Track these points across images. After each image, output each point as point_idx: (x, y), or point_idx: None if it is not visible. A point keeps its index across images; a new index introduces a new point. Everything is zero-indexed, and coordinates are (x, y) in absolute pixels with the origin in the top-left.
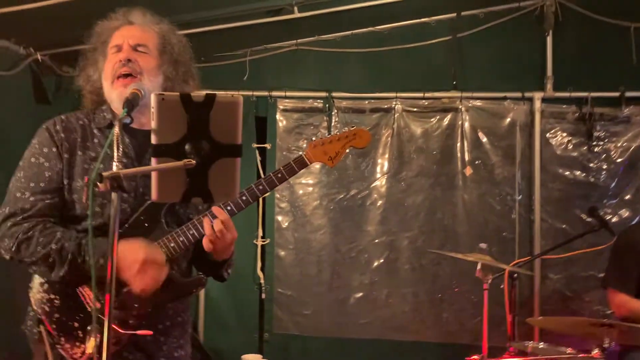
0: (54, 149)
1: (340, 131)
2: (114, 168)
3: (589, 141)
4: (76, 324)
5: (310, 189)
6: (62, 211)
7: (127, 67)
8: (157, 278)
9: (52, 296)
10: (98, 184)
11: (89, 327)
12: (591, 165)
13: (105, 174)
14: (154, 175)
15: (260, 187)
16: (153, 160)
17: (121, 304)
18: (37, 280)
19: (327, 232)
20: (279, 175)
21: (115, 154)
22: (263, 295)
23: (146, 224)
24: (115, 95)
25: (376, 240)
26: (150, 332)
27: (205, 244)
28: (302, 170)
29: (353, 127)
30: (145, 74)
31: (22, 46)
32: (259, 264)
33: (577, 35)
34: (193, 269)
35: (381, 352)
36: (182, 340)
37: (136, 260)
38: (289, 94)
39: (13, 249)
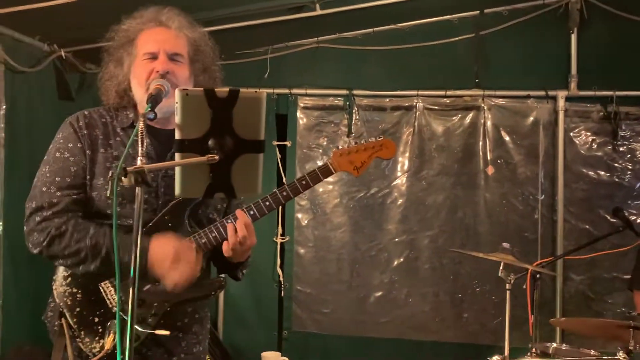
0: (79, 145)
1: (366, 140)
2: (138, 162)
3: (614, 140)
4: (96, 319)
5: (331, 187)
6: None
7: (165, 80)
8: (189, 274)
9: (75, 290)
10: (122, 178)
11: (108, 323)
12: (616, 165)
13: (129, 168)
14: (177, 170)
15: (284, 194)
16: (177, 156)
17: (140, 302)
18: (60, 273)
19: (347, 231)
20: (303, 182)
21: (139, 149)
22: (282, 293)
23: (170, 224)
24: None
25: (396, 239)
26: (168, 333)
27: (226, 250)
28: None
29: (380, 137)
30: (180, 85)
31: (46, 43)
32: (279, 262)
33: (602, 33)
34: (212, 270)
35: (401, 351)
36: (201, 336)
37: (167, 255)
38: (309, 91)
39: (44, 244)
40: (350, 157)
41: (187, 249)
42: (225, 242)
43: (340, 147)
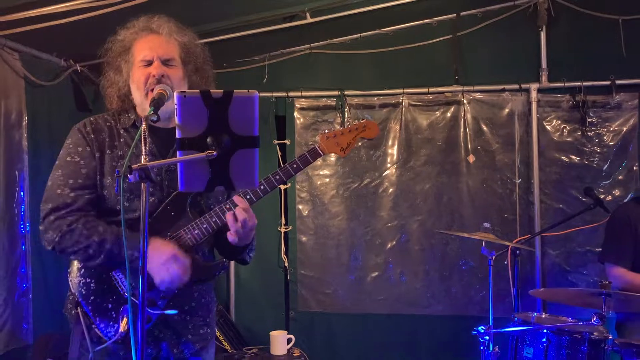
0: (88, 148)
1: (351, 124)
2: (142, 160)
3: (583, 127)
4: (110, 305)
5: (327, 179)
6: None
7: (161, 84)
8: (182, 274)
9: (88, 280)
10: (128, 175)
11: (121, 308)
12: (585, 149)
13: (134, 165)
14: (180, 166)
15: (277, 177)
16: (178, 153)
17: (150, 286)
18: (75, 265)
19: (344, 218)
20: (295, 165)
21: (142, 148)
22: (288, 277)
23: (173, 214)
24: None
25: (389, 224)
26: (176, 311)
27: (230, 236)
28: (318, 162)
29: (363, 119)
30: (175, 87)
31: (63, 58)
32: (283, 249)
33: (569, 29)
34: (215, 254)
35: (396, 325)
36: (208, 319)
37: (162, 253)
38: (305, 94)
39: (56, 240)
40: (337, 139)
41: (182, 254)
42: (229, 232)
43: (326, 130)
